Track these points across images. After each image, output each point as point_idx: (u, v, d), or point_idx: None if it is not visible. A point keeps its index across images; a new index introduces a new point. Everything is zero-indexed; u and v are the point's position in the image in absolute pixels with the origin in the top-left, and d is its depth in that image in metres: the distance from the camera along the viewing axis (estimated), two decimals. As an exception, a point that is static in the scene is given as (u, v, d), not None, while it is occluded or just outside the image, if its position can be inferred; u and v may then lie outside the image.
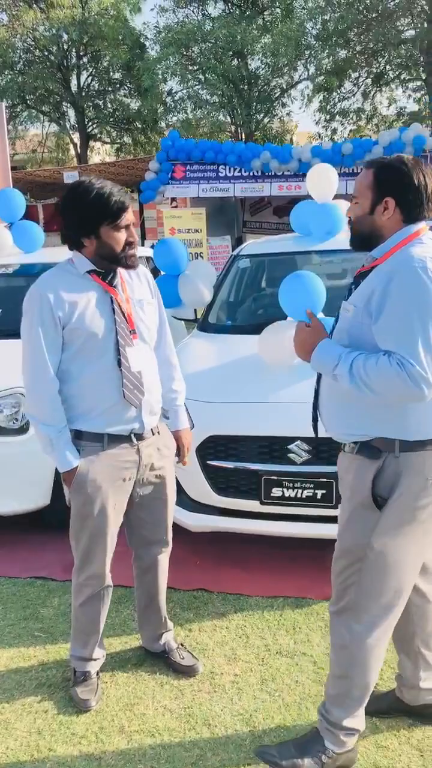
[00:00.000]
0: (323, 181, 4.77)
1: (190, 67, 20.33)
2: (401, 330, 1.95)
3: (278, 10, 20.45)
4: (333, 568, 2.29)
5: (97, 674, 2.74)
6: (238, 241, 15.41)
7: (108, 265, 2.42)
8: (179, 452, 2.83)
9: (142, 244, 14.72)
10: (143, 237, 15.54)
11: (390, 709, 2.54)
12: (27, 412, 2.53)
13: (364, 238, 2.15)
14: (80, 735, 2.51)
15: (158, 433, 2.62)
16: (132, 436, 2.50)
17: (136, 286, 2.56)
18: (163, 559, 2.82)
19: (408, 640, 2.43)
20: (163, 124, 22.37)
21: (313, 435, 3.26)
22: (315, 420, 2.38)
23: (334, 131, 21.42)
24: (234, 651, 2.98)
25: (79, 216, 2.33)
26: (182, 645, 2.94)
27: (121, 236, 2.36)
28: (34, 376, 2.40)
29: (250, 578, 3.53)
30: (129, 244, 2.38)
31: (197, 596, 3.41)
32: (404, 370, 1.92)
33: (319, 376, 2.32)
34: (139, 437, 2.52)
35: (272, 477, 3.36)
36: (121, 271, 2.48)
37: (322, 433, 2.39)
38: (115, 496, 2.51)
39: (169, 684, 2.78)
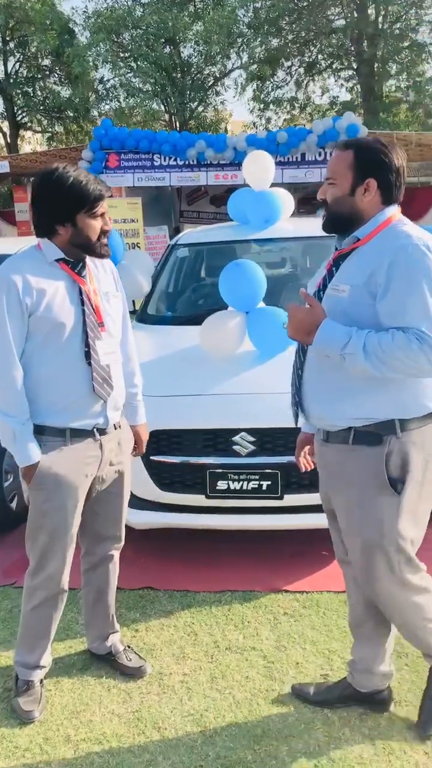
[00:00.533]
0: (260, 169, 4.72)
1: (122, 54, 20.00)
2: (416, 305, 1.94)
3: (209, -3, 20.33)
4: (359, 561, 2.23)
5: (41, 683, 2.63)
6: (175, 231, 15.28)
7: (79, 254, 2.35)
8: (136, 447, 2.77)
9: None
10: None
11: (341, 698, 2.52)
12: None
13: (343, 220, 2.12)
14: (24, 748, 2.40)
15: (120, 427, 2.56)
16: (95, 431, 2.42)
17: (102, 278, 2.49)
18: (115, 556, 2.75)
19: (376, 625, 2.42)
20: (95, 113, 21.92)
21: (256, 426, 3.28)
22: (297, 408, 2.29)
23: (269, 120, 21.49)
24: (182, 650, 2.91)
25: (55, 203, 2.26)
26: (129, 647, 2.86)
27: (98, 224, 2.30)
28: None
29: (197, 574, 3.47)
30: (104, 232, 2.32)
31: (143, 595, 3.33)
32: (425, 343, 1.91)
33: (301, 365, 2.23)
34: (102, 432, 2.44)
35: (217, 470, 3.30)
36: (88, 262, 2.41)
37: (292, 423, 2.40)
38: (76, 493, 2.42)
39: (117, 688, 2.69)
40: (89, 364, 2.33)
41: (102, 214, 2.30)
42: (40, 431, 2.34)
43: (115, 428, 2.52)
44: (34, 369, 2.31)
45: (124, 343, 2.62)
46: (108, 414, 2.43)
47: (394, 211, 2.12)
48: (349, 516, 2.22)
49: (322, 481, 2.38)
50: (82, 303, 2.33)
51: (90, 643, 2.86)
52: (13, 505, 4.04)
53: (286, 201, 4.81)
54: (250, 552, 3.65)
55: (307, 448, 2.57)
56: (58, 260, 2.33)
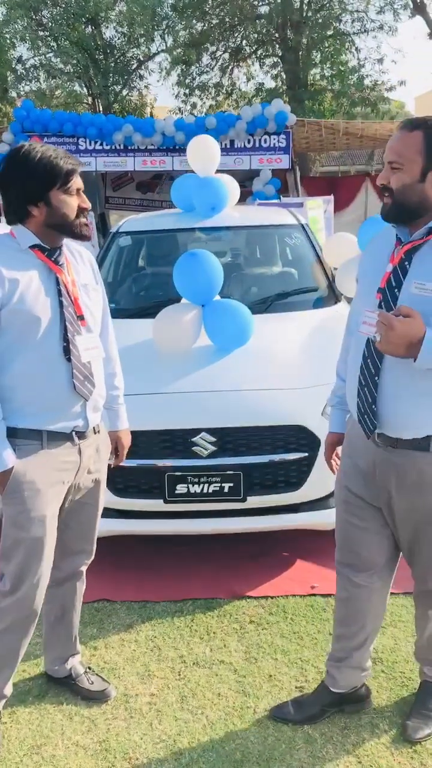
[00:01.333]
0: (205, 155, 4.54)
1: (41, 33, 19.22)
2: None
3: (132, -23, 19.80)
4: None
5: None
6: (101, 218, 14.87)
7: (57, 237, 2.16)
8: (116, 454, 2.57)
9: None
10: (-1, 213, 14.57)
11: (323, 710, 2.41)
12: None
13: (410, 209, 1.93)
14: (-18, 793, 2.17)
15: (98, 431, 2.34)
16: (73, 434, 2.20)
17: (81, 269, 2.28)
18: (84, 571, 2.53)
19: (368, 623, 2.35)
20: (14, 94, 21.03)
21: (217, 426, 3.11)
22: (372, 415, 2.06)
23: (194, 106, 21.10)
24: (147, 667, 2.73)
25: (25, 182, 2.07)
26: (90, 668, 2.66)
27: (74, 201, 2.11)
28: None
29: (155, 583, 3.29)
30: (82, 210, 2.13)
31: (99, 608, 3.12)
32: None
33: (377, 370, 2.02)
34: (81, 436, 2.23)
35: (176, 473, 3.12)
36: (65, 251, 2.21)
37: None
38: (53, 502, 2.19)
39: (79, 715, 2.48)
40: (68, 360, 2.12)
41: (78, 191, 2.12)
42: (13, 434, 2.11)
43: (95, 432, 2.30)
44: (7, 366, 2.09)
45: (105, 341, 2.41)
46: (88, 415, 2.22)
47: None
48: (427, 520, 2.09)
49: (365, 484, 2.20)
50: (60, 294, 2.13)
51: (48, 665, 2.63)
52: None
53: (232, 188, 4.65)
54: (207, 557, 3.49)
55: (338, 449, 2.42)
56: (32, 247, 2.12)
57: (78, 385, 2.15)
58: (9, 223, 2.16)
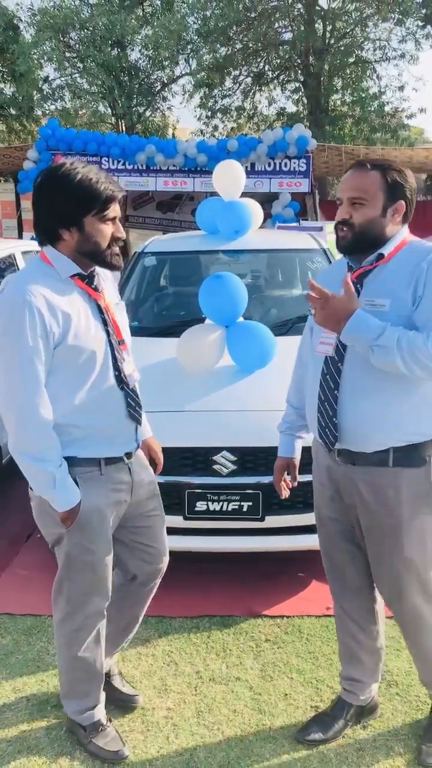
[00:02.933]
0: (230, 178, 4.62)
1: (68, 54, 19.59)
2: None
3: (158, 2, 20.14)
4: (392, 580, 2.22)
5: (109, 720, 2.45)
6: (121, 236, 15.05)
7: (88, 264, 2.09)
8: (153, 462, 2.54)
9: (20, 237, 14.00)
10: (20, 229, 14.78)
11: (346, 723, 2.47)
12: (15, 449, 2.04)
13: (369, 241, 2.08)
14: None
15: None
16: (124, 456, 2.23)
17: (108, 288, 2.23)
18: (161, 572, 2.55)
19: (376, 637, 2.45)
20: (39, 112, 21.41)
21: (238, 445, 3.17)
22: (333, 428, 2.14)
23: (215, 128, 21.42)
24: (164, 681, 2.76)
25: (60, 203, 1.98)
26: (121, 673, 2.70)
27: (108, 230, 2.04)
28: (26, 405, 1.98)
29: (172, 598, 3.31)
30: (115, 239, 2.06)
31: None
32: None
33: (336, 385, 2.12)
34: (129, 456, 2.26)
35: (196, 490, 3.17)
36: (97, 272, 2.16)
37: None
38: (114, 523, 2.25)
39: (98, 726, 2.52)
40: (122, 389, 2.14)
41: (114, 219, 2.04)
42: (72, 462, 2.10)
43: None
44: (63, 403, 2.04)
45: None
46: (138, 437, 2.28)
47: (406, 228, 2.16)
48: (389, 537, 2.16)
49: (332, 504, 2.31)
50: (105, 323, 2.10)
51: None
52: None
53: (256, 212, 4.73)
54: (224, 574, 3.53)
55: (285, 472, 2.56)
56: (72, 276, 2.07)
57: (132, 412, 2.18)
58: (40, 243, 2.09)
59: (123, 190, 2.07)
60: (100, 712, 2.42)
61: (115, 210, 2.04)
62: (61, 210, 1.99)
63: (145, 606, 2.56)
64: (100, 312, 2.11)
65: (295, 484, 2.58)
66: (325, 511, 2.36)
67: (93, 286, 2.12)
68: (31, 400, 1.98)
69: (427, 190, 20.95)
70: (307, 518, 3.20)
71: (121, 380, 2.13)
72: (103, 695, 2.45)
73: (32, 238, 8.76)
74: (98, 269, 2.18)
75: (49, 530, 2.21)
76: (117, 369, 2.12)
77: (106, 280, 2.25)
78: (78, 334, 2.01)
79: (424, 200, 18.38)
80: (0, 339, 1.97)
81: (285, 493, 2.56)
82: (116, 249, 2.08)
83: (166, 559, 2.52)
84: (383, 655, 2.50)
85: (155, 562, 2.47)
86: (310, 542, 3.26)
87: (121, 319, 2.23)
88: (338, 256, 2.37)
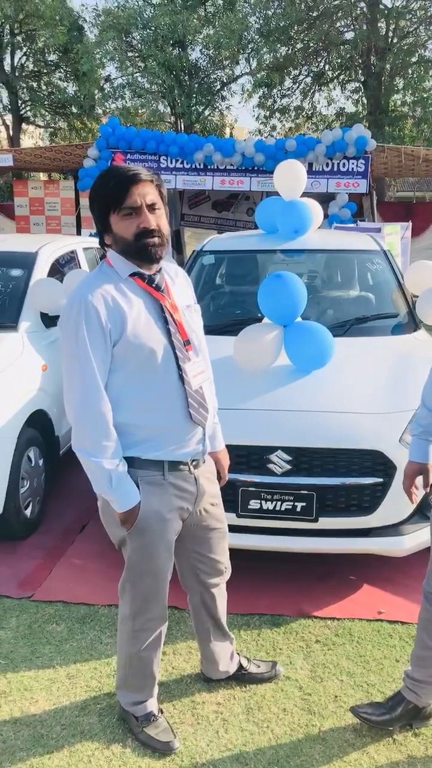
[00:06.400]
0: (292, 178, 4.63)
1: (130, 54, 19.84)
2: None
3: (221, 1, 20.21)
4: None
5: (161, 711, 2.51)
6: (176, 234, 15.17)
7: (138, 262, 2.09)
8: (219, 475, 2.52)
9: (79, 233, 14.24)
10: (79, 226, 15.03)
11: (400, 717, 2.46)
12: (77, 447, 2.09)
13: None
14: (55, 781, 2.26)
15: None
16: (190, 462, 2.22)
17: (179, 289, 2.24)
18: (223, 587, 2.61)
19: None
20: (100, 111, 21.75)
21: (294, 445, 3.16)
22: None
23: (273, 128, 21.39)
24: (213, 676, 2.78)
25: (94, 213, 2.08)
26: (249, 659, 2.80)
27: (130, 224, 2.01)
28: (87, 403, 2.03)
29: (223, 594, 3.34)
30: (143, 230, 2.01)
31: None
32: None
33: None
34: (197, 465, 2.25)
35: (250, 488, 3.18)
36: (165, 272, 2.18)
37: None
38: (176, 530, 2.27)
39: (148, 716, 2.56)
40: (183, 389, 2.13)
41: (135, 209, 1.99)
42: (133, 464, 2.13)
43: (205, 459, 2.33)
44: (125, 403, 2.08)
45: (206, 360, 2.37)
46: (204, 442, 2.25)
47: None
48: None
49: None
50: (166, 322, 2.11)
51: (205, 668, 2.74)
52: (28, 512, 3.90)
53: (316, 212, 4.72)
54: (275, 574, 3.53)
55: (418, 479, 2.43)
56: (132, 275, 2.10)
57: (194, 414, 2.15)
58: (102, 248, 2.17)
59: (139, 173, 2.00)
60: (152, 704, 2.46)
61: (132, 200, 1.98)
62: (96, 219, 2.08)
63: (217, 609, 2.61)
64: (163, 312, 2.12)
65: (428, 490, 2.45)
66: None
67: (154, 285, 2.12)
68: (87, 396, 2.02)
69: None
70: (362, 521, 3.19)
71: (182, 380, 2.12)
72: (156, 690, 2.49)
73: (90, 235, 8.92)
74: (167, 270, 2.20)
75: (112, 531, 2.26)
76: (179, 368, 2.12)
77: (182, 283, 2.27)
78: (137, 332, 2.03)
79: None
80: (62, 337, 2.05)
81: (415, 499, 2.44)
82: (149, 240, 2.03)
83: (225, 577, 2.57)
84: None
85: (213, 573, 2.51)
86: (363, 545, 3.25)
87: (191, 321, 2.22)
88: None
